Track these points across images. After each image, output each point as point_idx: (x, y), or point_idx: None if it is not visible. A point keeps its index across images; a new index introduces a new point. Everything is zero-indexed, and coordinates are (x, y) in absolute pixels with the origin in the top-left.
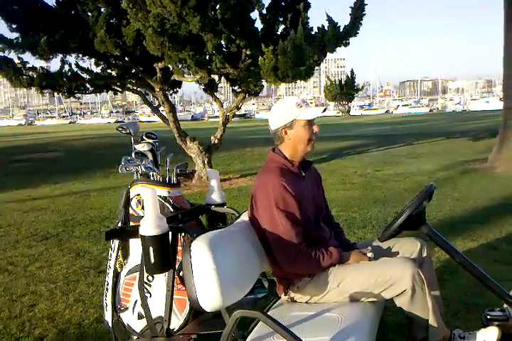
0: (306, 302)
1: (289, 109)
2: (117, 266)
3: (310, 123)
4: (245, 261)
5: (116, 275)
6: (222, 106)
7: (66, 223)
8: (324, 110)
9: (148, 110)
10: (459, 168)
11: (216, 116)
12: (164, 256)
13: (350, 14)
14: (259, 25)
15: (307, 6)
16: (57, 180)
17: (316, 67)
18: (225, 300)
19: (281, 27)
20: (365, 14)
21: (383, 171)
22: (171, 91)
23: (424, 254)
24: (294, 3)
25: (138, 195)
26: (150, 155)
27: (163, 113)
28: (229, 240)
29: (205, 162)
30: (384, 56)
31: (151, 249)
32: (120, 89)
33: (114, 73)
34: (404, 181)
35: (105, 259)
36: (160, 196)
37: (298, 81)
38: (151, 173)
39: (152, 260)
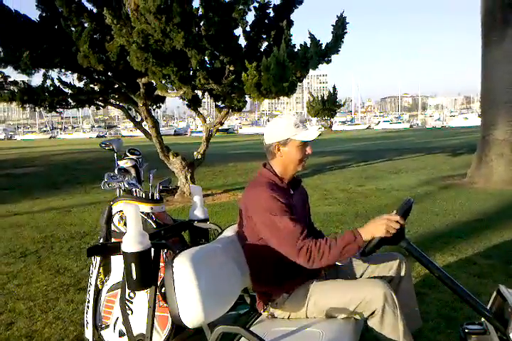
0: (288, 318)
1: (286, 126)
2: (98, 282)
3: (304, 144)
4: (228, 277)
5: (98, 292)
6: (205, 122)
7: (46, 239)
8: (320, 135)
9: (130, 125)
10: (439, 183)
11: (199, 131)
12: (146, 272)
13: (332, 32)
14: (242, 41)
15: (290, 23)
16: (37, 195)
17: (299, 83)
18: (207, 316)
19: (265, 44)
20: (346, 32)
21: (365, 186)
22: (154, 107)
23: (403, 270)
24: (278, 21)
25: (120, 211)
26: (133, 172)
27: (146, 128)
28: (212, 256)
29: (188, 177)
30: (366, 72)
31: (133, 265)
32: (102, 104)
33: (96, 88)
34: (386, 196)
35: (85, 276)
36: (142, 212)
37: (281, 97)
38: (133, 189)
39: (134, 276)
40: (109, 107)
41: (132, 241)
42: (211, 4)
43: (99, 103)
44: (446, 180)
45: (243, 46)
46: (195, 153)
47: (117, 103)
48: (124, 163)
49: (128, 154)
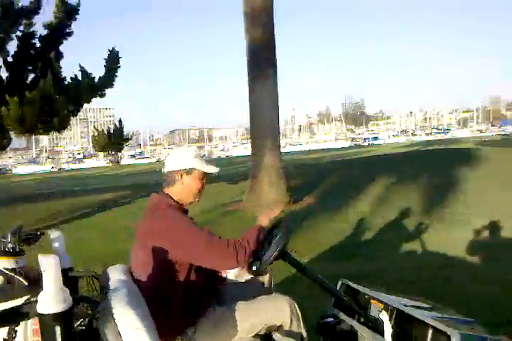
0: None
1: (192, 156)
2: None
3: (204, 177)
4: (149, 319)
5: None
6: None
7: None
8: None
9: None
10: (220, 210)
11: None
12: (71, 334)
13: (104, 66)
14: (4, 73)
15: (59, 55)
16: None
17: (83, 117)
18: None
19: (31, 76)
20: (120, 66)
21: None
22: None
23: (267, 278)
24: (45, 52)
25: None
26: None
27: None
28: (136, 301)
29: None
30: (154, 105)
31: (57, 328)
32: None
33: None
34: None
35: None
36: (7, 269)
37: (63, 131)
38: None
39: None
40: None
41: (53, 299)
42: None
43: None
44: (226, 207)
45: (4, 78)
46: None
47: None
48: None
49: None
